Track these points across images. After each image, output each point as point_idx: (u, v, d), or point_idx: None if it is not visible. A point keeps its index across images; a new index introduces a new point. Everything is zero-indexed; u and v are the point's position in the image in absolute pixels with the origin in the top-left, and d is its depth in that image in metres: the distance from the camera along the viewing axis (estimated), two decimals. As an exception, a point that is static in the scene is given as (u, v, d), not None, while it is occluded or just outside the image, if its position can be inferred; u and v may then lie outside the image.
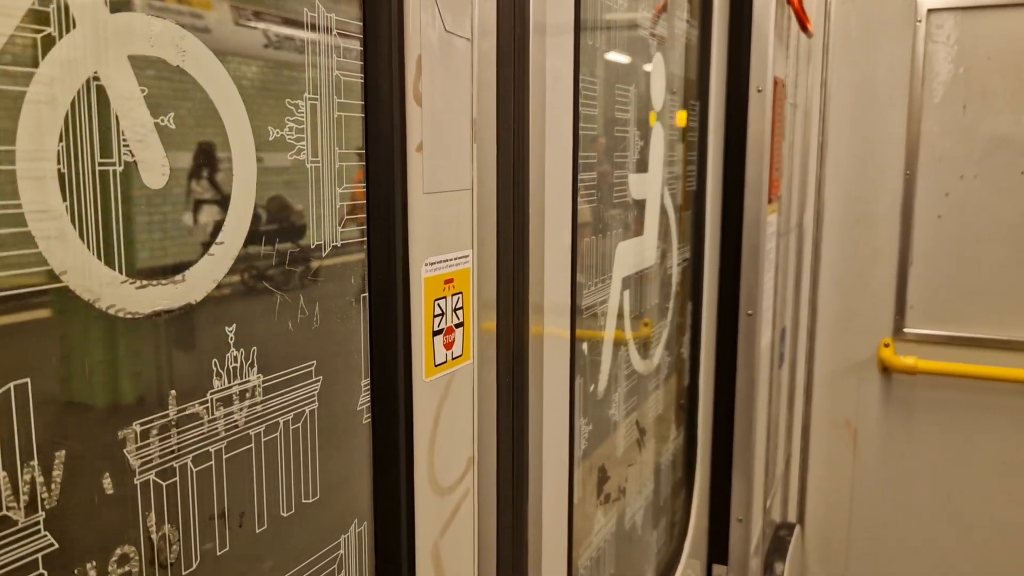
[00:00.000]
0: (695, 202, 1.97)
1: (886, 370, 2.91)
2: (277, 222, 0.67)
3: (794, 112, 2.61)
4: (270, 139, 0.65)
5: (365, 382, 0.79)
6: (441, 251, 0.85)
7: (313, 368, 0.71)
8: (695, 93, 1.94)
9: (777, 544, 2.71)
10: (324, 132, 0.70)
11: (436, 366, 0.85)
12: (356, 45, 0.74)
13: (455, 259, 0.87)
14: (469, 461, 0.93)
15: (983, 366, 2.76)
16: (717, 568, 2.25)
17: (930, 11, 2.76)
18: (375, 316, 0.78)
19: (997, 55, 2.72)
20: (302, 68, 0.68)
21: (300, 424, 0.70)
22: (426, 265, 0.82)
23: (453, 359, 0.88)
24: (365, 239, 0.77)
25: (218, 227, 0.61)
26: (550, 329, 1.10)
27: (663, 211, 1.71)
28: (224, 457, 0.63)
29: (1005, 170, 2.73)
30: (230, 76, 0.61)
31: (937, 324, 2.84)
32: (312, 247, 0.70)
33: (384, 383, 0.80)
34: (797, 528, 2.85)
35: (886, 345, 2.90)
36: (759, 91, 2.01)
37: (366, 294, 0.78)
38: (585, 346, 1.35)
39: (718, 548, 2.24)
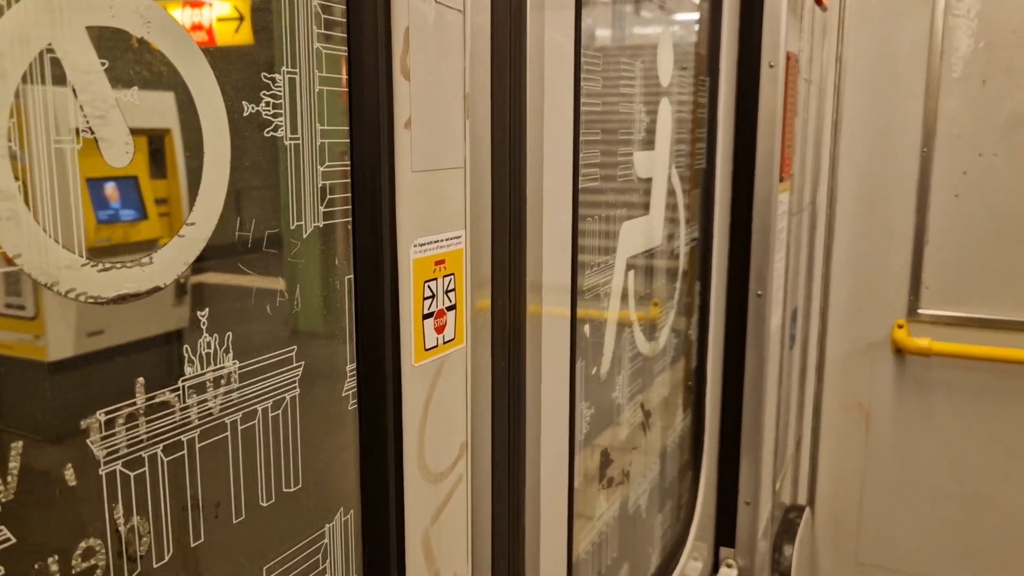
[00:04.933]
0: (704, 180, 1.93)
1: (900, 351, 2.86)
2: (254, 202, 0.64)
3: (808, 88, 2.55)
4: (244, 115, 0.62)
5: (351, 367, 0.76)
6: (431, 231, 0.82)
7: (294, 353, 0.69)
8: (705, 68, 1.89)
9: (786, 527, 2.69)
10: (304, 108, 0.67)
11: (426, 350, 0.83)
12: (339, 17, 0.71)
13: (447, 240, 0.84)
14: (462, 447, 0.91)
15: (999, 348, 2.71)
16: (724, 551, 2.23)
17: (950, -17, 2.69)
18: (361, 299, 0.76)
19: (1021, 28, 2.64)
20: (280, 40, 0.65)
21: (280, 411, 0.68)
22: (415, 246, 0.79)
23: (445, 343, 0.86)
24: (350, 219, 0.74)
25: (189, 207, 0.58)
26: (549, 310, 1.07)
27: (671, 190, 1.67)
28: (198, 446, 0.60)
29: (1025, 148, 2.66)
30: (200, 49, 0.58)
31: (952, 305, 2.79)
32: (292, 228, 0.68)
33: (371, 369, 0.77)
34: (807, 510, 2.82)
35: (900, 326, 2.85)
36: (771, 67, 1.96)
37: (351, 276, 0.75)
38: (587, 328, 1.32)
39: (725, 531, 2.22)
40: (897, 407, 2.91)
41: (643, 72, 1.50)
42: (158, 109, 0.56)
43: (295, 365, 0.69)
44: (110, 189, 0.53)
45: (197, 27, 0.59)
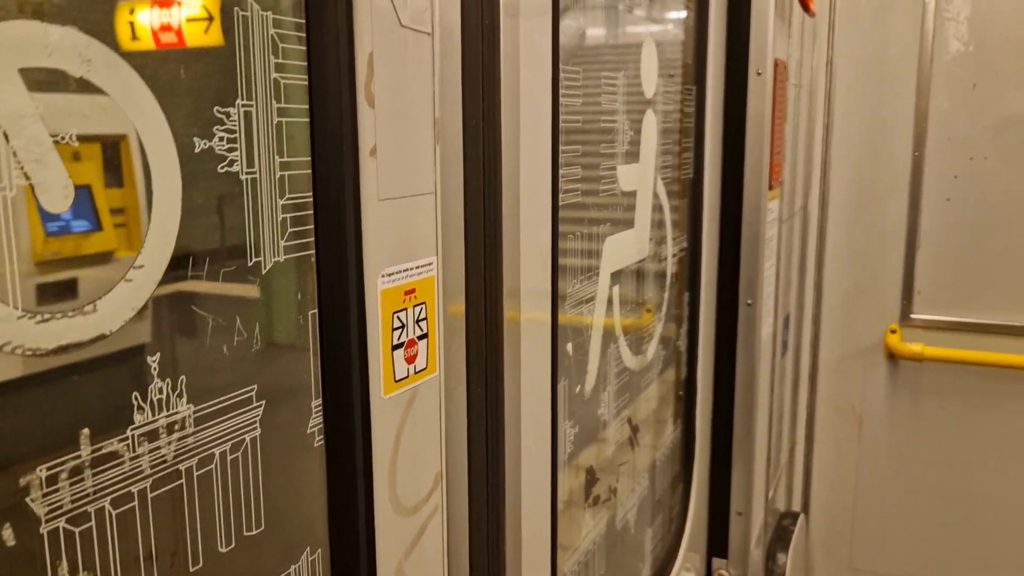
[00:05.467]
0: (692, 190, 1.91)
1: (892, 357, 2.85)
2: (208, 240, 0.62)
3: (798, 93, 2.53)
4: (196, 151, 0.60)
5: (317, 403, 0.74)
6: (400, 260, 0.80)
7: (254, 393, 0.67)
8: (692, 77, 1.87)
9: (780, 534, 2.67)
10: (262, 140, 0.65)
11: (396, 381, 0.81)
12: (297, 45, 0.69)
13: (416, 268, 0.82)
14: (437, 477, 0.89)
15: (992, 353, 2.69)
16: (716, 561, 2.21)
17: (940, -14, 2.67)
18: (326, 333, 0.74)
19: (1010, 31, 2.63)
20: (233, 72, 0.63)
21: (240, 453, 0.66)
22: (383, 276, 0.77)
23: (416, 373, 0.84)
24: (314, 252, 0.72)
25: (136, 250, 0.56)
26: (528, 333, 1.05)
27: (656, 203, 1.65)
28: (150, 496, 0.58)
29: (1017, 151, 2.65)
30: (147, 86, 0.56)
31: (945, 310, 2.77)
32: (250, 264, 0.66)
33: (338, 403, 0.75)
34: (801, 517, 2.81)
35: (893, 331, 2.84)
36: (759, 74, 1.94)
37: (315, 311, 0.73)
38: (570, 347, 1.30)
39: (718, 541, 2.20)
40: (890, 412, 2.89)
41: (626, 84, 1.48)
42: (100, 150, 0.54)
43: (255, 405, 0.67)
44: (49, 236, 0.51)
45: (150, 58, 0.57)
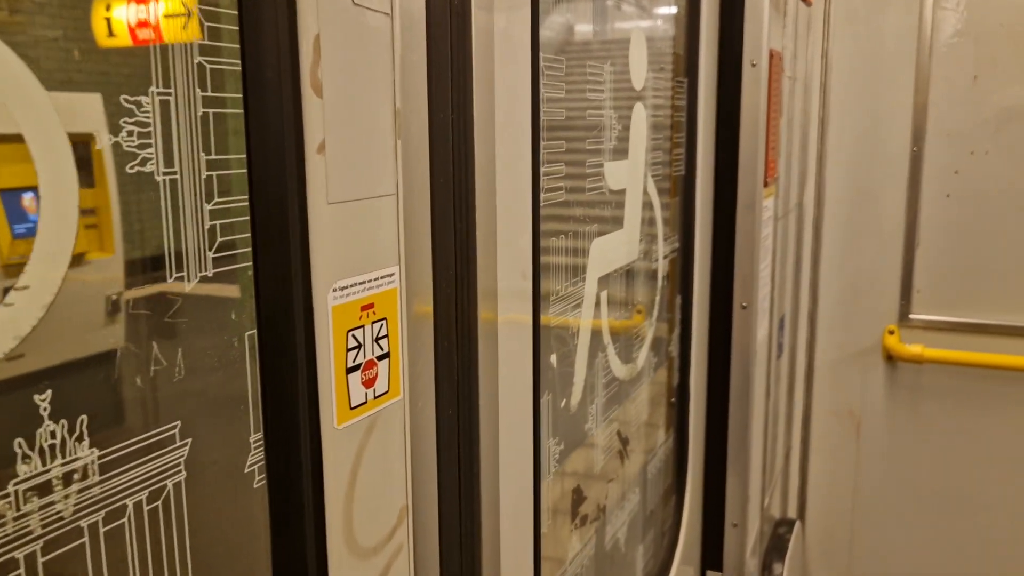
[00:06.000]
0: (684, 188, 1.82)
1: (891, 358, 2.76)
2: (113, 253, 0.52)
3: (793, 86, 2.45)
4: (97, 148, 0.50)
5: (256, 437, 0.65)
6: (355, 271, 0.70)
7: (177, 431, 0.57)
8: (683, 69, 1.78)
9: (776, 542, 2.59)
10: (183, 136, 0.56)
11: (352, 408, 0.71)
12: (229, 24, 0.59)
13: (375, 280, 0.73)
14: (402, 512, 0.80)
15: (993, 354, 2.61)
16: (711, 574, 2.12)
17: (938, -25, 2.59)
18: (267, 358, 0.64)
19: (1010, 21, 2.54)
20: (144, 56, 0.53)
21: (159, 502, 0.56)
22: (335, 291, 0.68)
23: (376, 397, 0.74)
24: (251, 264, 0.63)
25: (17, 269, 0.46)
26: (507, 346, 0.96)
27: (646, 201, 1.56)
28: (41, 560, 0.49)
29: (1019, 145, 2.56)
30: (32, 73, 0.46)
31: (945, 310, 2.69)
32: (169, 279, 0.56)
33: (282, 437, 0.66)
34: (797, 524, 2.73)
35: (891, 332, 2.75)
36: (753, 65, 1.85)
37: (253, 331, 0.64)
38: (554, 359, 1.21)
39: (712, 553, 2.12)
40: (889, 416, 2.81)
41: (614, 76, 1.38)
42: (-35, 148, 0.44)
43: (179, 444, 0.57)
44: None
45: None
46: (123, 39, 0.53)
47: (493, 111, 0.89)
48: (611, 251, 1.40)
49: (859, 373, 2.82)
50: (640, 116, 1.49)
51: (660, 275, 1.72)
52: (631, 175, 1.48)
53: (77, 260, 0.49)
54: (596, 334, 1.39)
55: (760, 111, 1.86)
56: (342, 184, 0.68)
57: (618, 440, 1.53)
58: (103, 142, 0.50)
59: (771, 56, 1.92)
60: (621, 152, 1.43)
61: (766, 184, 1.97)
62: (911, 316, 2.73)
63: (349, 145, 0.68)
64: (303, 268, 0.65)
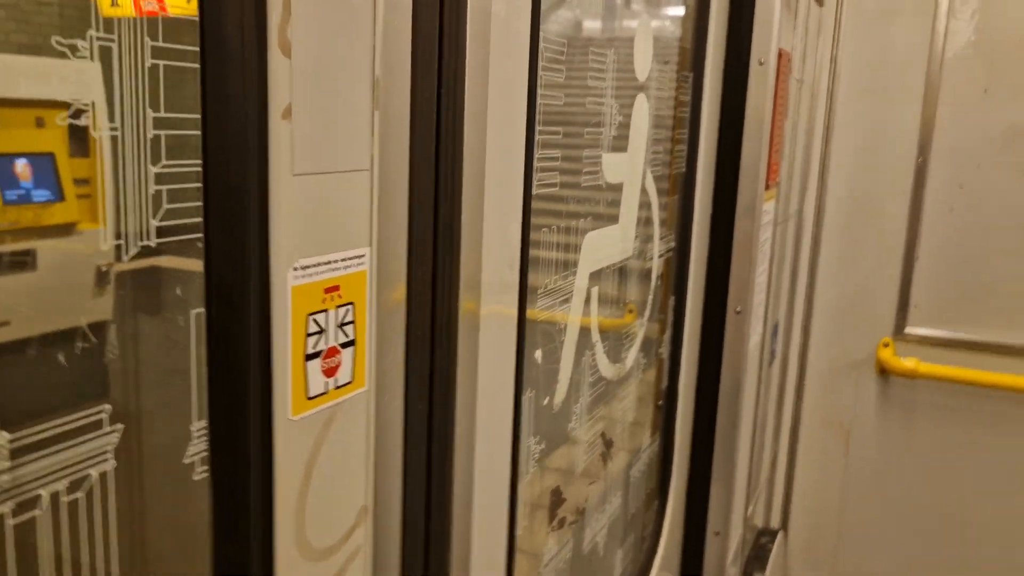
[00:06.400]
0: (683, 186, 1.76)
1: (884, 372, 2.71)
2: (38, 215, 0.47)
3: (799, 89, 2.39)
4: (22, 95, 0.44)
5: (200, 426, 0.59)
6: (320, 251, 0.65)
7: (106, 415, 0.52)
8: (689, 63, 1.72)
9: (758, 552, 2.54)
10: (127, 88, 0.50)
11: (310, 399, 0.66)
12: (186, -32, 0.53)
13: (342, 261, 0.67)
14: (361, 512, 0.74)
15: (989, 372, 2.56)
16: (690, 582, 2.08)
17: (954, -16, 2.53)
18: (215, 339, 0.59)
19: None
20: (84, -6, 0.47)
21: (82, 493, 0.51)
22: (295, 270, 0.62)
23: (337, 388, 0.69)
24: (201, 235, 0.57)
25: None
26: (488, 338, 0.90)
27: (644, 198, 1.50)
28: (-66, 555, 0.43)
29: (1026, 161, 2.51)
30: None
31: (942, 325, 2.64)
32: (103, 248, 0.50)
33: (228, 427, 0.60)
34: (780, 534, 2.68)
35: (885, 345, 2.70)
36: (761, 64, 1.79)
37: (201, 310, 0.58)
38: (539, 355, 1.15)
39: (692, 561, 2.07)
40: (879, 430, 2.76)
41: (617, 64, 1.33)
42: None
43: (108, 430, 0.52)
44: None
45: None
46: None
47: (487, 89, 0.83)
48: (604, 246, 1.35)
49: (851, 385, 2.77)
50: (642, 108, 1.43)
51: (654, 274, 1.66)
52: (630, 169, 1.42)
53: (-9, 218, 0.43)
54: (584, 331, 1.33)
55: (766, 111, 1.81)
56: (309, 154, 0.62)
57: (602, 442, 1.48)
58: (26, 88, 0.45)
59: (780, 55, 1.86)
60: (620, 145, 1.37)
61: (768, 186, 1.92)
62: (907, 330, 2.68)
63: (319, 113, 0.63)
64: (261, 243, 0.59)
